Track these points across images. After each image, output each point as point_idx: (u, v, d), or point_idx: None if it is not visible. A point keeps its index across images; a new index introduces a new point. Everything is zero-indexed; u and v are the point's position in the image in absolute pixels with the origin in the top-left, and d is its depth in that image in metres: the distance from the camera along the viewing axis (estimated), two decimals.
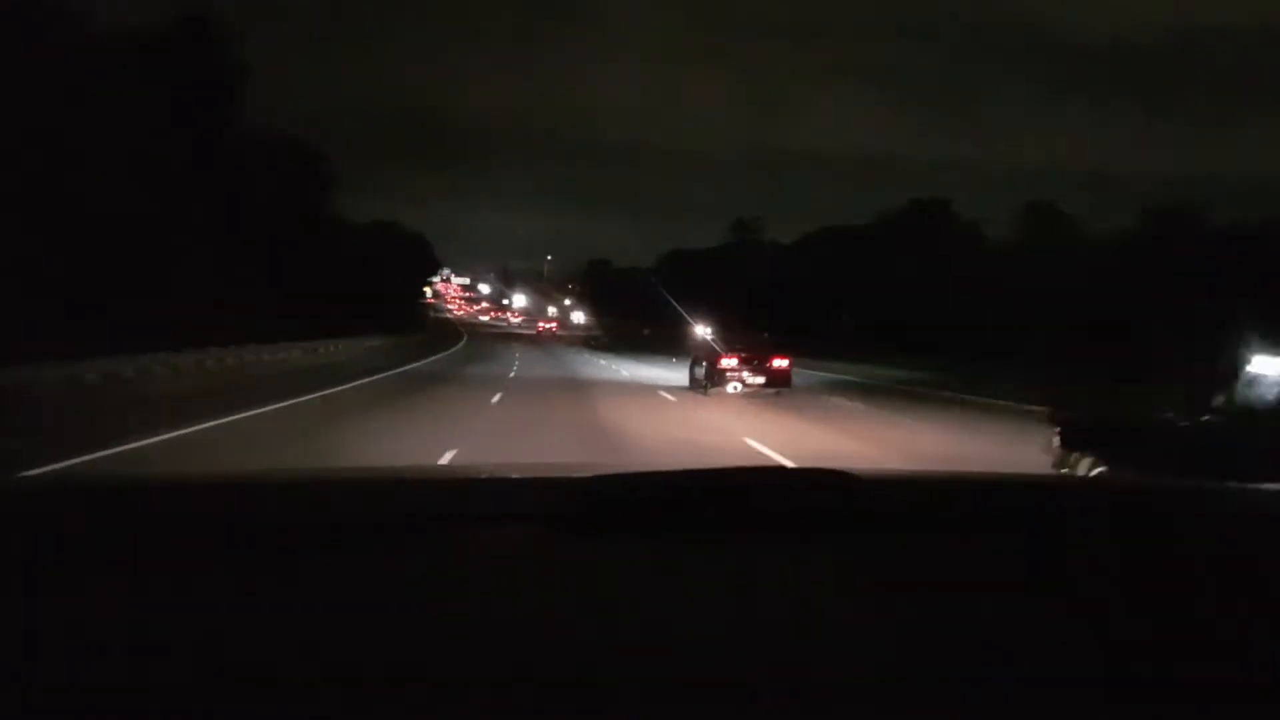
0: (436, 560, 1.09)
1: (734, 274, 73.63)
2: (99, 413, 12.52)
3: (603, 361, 37.83)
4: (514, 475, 1.64)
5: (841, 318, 54.36)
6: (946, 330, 45.07)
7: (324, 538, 1.15)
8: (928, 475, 1.96)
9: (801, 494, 1.27)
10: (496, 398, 17.05)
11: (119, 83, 27.53)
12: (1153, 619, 0.97)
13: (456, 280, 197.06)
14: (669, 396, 19.30)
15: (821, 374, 30.36)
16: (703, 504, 1.22)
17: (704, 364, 20.61)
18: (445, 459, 8.64)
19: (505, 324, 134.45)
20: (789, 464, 8.29)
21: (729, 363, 19.60)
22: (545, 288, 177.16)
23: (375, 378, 21.37)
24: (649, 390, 21.44)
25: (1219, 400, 5.54)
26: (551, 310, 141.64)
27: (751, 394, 19.18)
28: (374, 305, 64.55)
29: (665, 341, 33.05)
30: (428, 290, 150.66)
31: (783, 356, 20.12)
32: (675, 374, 24.82)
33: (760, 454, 10.30)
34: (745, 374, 19.44)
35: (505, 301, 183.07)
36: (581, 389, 21.24)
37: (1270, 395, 5.29)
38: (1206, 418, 5.58)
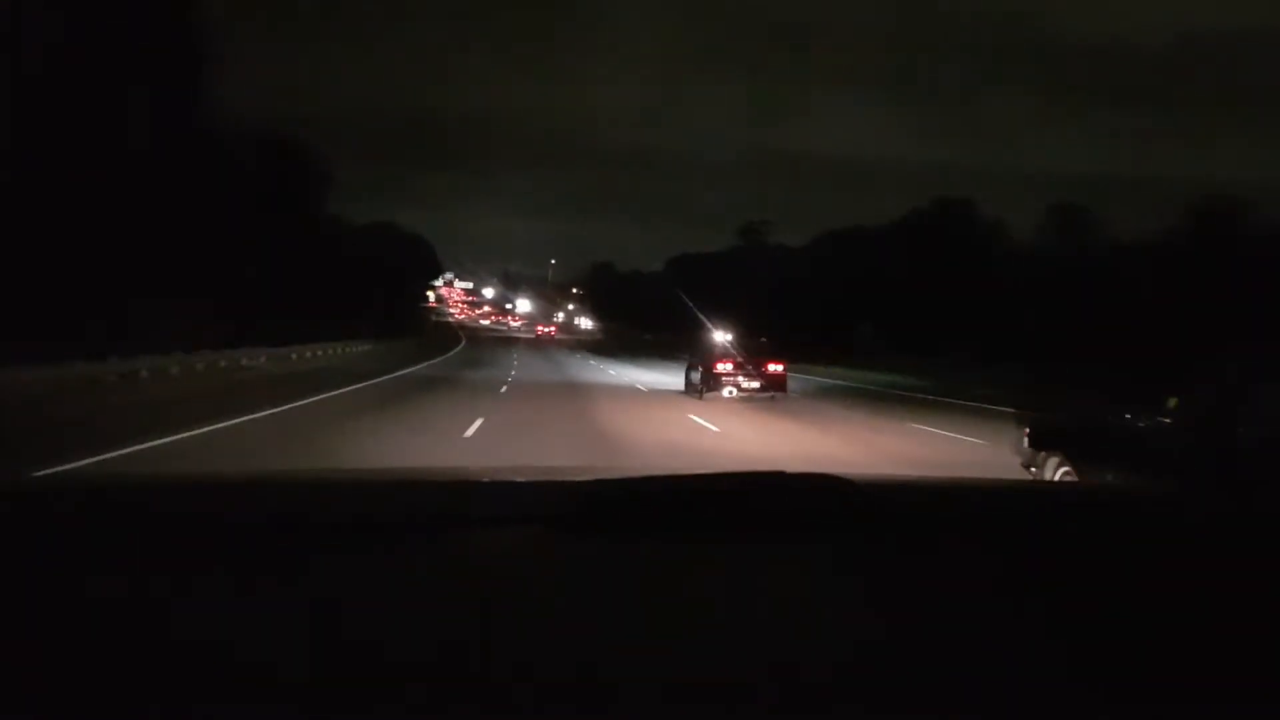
0: (437, 560, 1.10)
1: (743, 278, 71.55)
2: None
3: (609, 370, 35.17)
4: (515, 478, 1.70)
5: (860, 324, 51.64)
6: (975, 333, 42.83)
7: (326, 538, 1.16)
8: (924, 480, 1.98)
9: (799, 497, 1.27)
10: (474, 428, 12.56)
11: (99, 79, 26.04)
12: (1146, 622, 0.98)
13: (460, 284, 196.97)
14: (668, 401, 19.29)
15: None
16: (702, 506, 1.23)
17: (699, 369, 20.65)
18: None
19: (505, 328, 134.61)
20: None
21: (724, 367, 19.69)
22: (549, 292, 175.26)
23: (342, 390, 18.61)
24: (652, 397, 20.90)
25: (1171, 403, 5.70)
26: (559, 316, 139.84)
27: (746, 398, 19.41)
28: (369, 308, 63.05)
29: (670, 347, 30.92)
30: (430, 294, 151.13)
31: (777, 361, 20.35)
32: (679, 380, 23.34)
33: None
34: (740, 379, 19.54)
35: (509, 306, 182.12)
36: (582, 401, 18.99)
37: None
38: (1160, 419, 5.76)
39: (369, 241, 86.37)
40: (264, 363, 24.72)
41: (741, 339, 20.98)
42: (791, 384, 21.43)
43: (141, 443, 9.94)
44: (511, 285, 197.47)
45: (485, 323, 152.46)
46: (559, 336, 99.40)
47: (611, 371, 32.75)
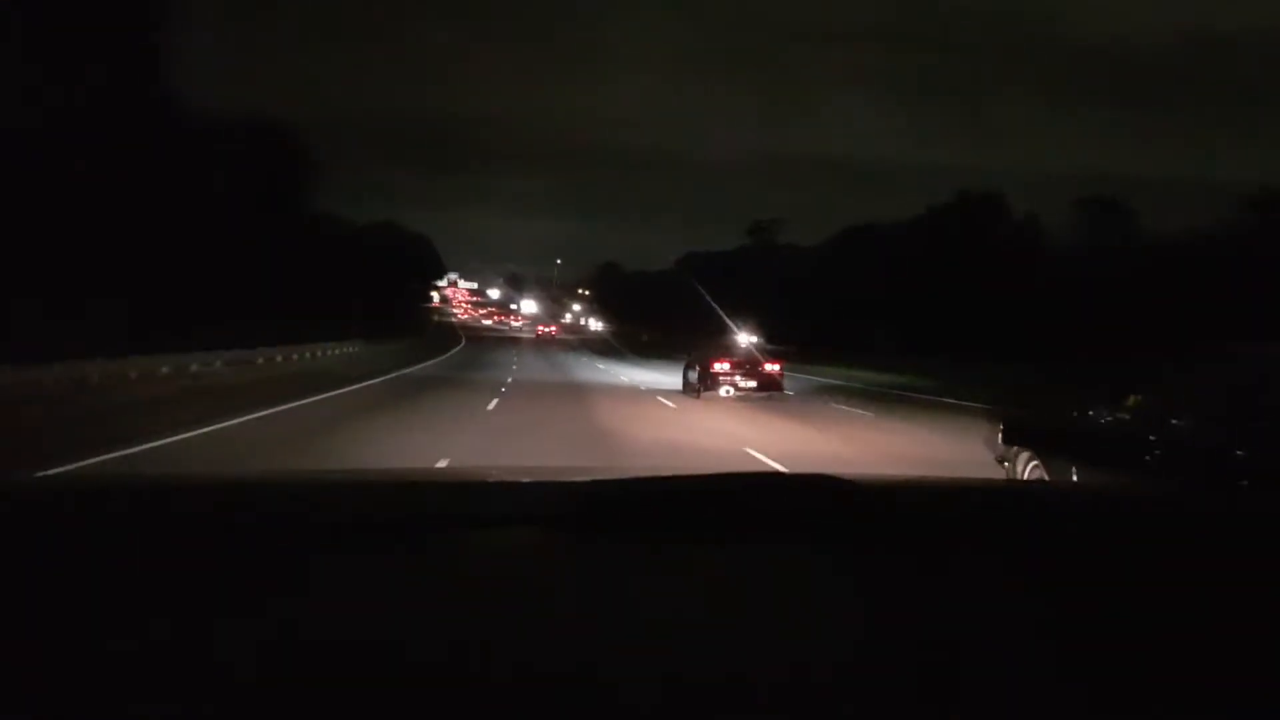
0: (437, 561, 1.10)
1: (754, 277, 69.56)
2: None
3: (622, 374, 32.31)
4: (515, 478, 1.70)
5: (879, 325, 48.74)
6: (998, 331, 40.20)
7: (326, 538, 1.16)
8: (924, 480, 1.98)
9: (798, 497, 1.28)
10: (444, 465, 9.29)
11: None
12: (1147, 622, 0.98)
13: (464, 285, 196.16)
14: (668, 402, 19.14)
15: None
16: (702, 507, 1.23)
17: (696, 368, 20.85)
18: None
19: (506, 328, 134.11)
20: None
21: (721, 367, 19.89)
22: (555, 292, 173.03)
23: (296, 404, 15.63)
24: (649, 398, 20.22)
25: (1132, 400, 5.86)
26: (567, 317, 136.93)
27: (743, 397, 19.55)
28: (365, 308, 60.56)
29: (677, 348, 29.14)
30: (435, 295, 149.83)
31: (774, 361, 20.80)
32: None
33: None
34: (737, 378, 19.78)
35: (513, 306, 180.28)
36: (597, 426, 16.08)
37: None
38: (1120, 415, 5.91)
39: (368, 241, 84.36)
40: (220, 368, 21.69)
41: (761, 340, 21.23)
42: (796, 385, 21.10)
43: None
44: (517, 286, 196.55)
45: (487, 323, 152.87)
46: (559, 336, 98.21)
47: (624, 376, 30.24)
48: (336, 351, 35.47)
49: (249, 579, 1.02)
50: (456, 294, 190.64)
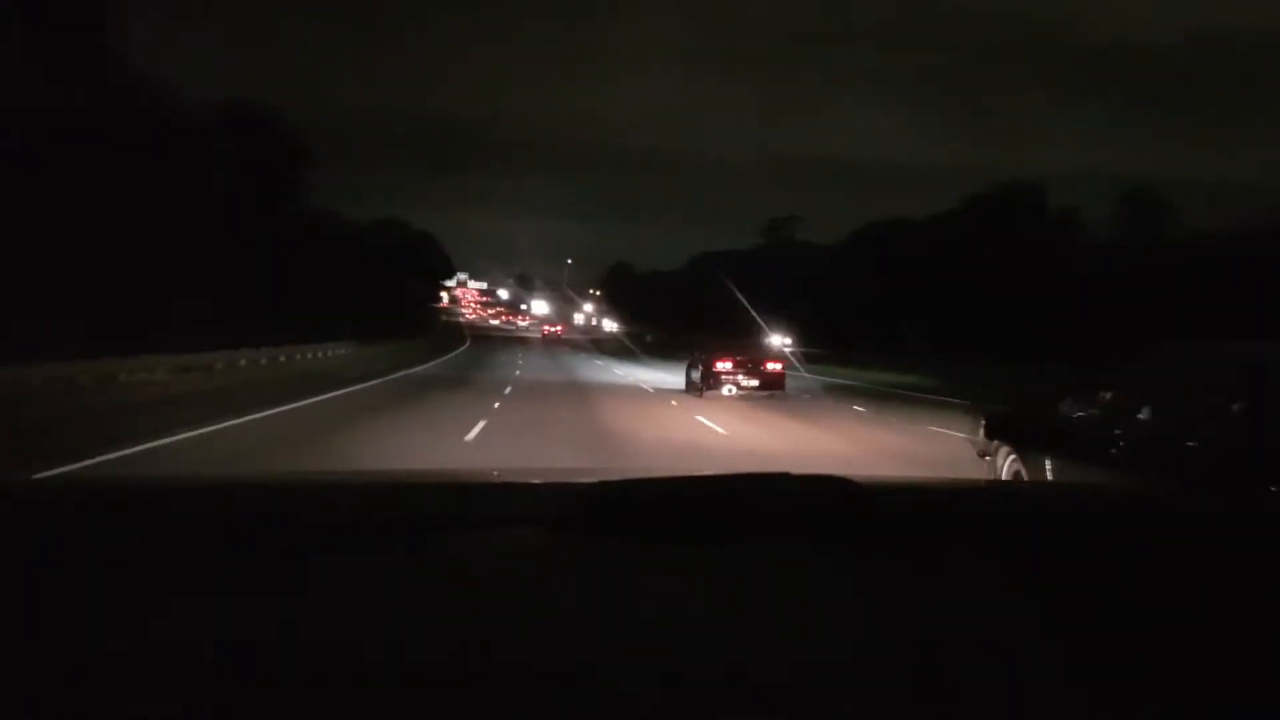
0: (439, 562, 1.10)
1: (772, 276, 66.85)
2: None
3: (638, 376, 29.30)
4: (520, 480, 1.69)
5: (906, 324, 45.48)
6: (1031, 329, 37.35)
7: (327, 539, 1.16)
8: (928, 481, 1.97)
9: (802, 498, 1.28)
10: None
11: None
12: (1147, 623, 0.98)
13: (473, 285, 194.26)
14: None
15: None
16: (707, 508, 1.23)
17: (699, 367, 21.04)
18: None
19: (513, 328, 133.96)
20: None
21: (724, 366, 20.14)
22: (566, 292, 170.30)
23: (237, 421, 12.54)
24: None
25: (1104, 395, 5.99)
26: (579, 318, 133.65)
27: (745, 396, 19.75)
28: (364, 307, 57.94)
29: (696, 349, 26.82)
30: (444, 295, 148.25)
31: (776, 361, 21.24)
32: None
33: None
34: (740, 377, 20.01)
35: (523, 306, 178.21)
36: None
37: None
38: (1092, 410, 6.07)
39: (371, 239, 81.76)
40: (163, 375, 18.48)
41: (794, 341, 20.81)
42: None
43: None
44: (527, 286, 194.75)
45: (494, 323, 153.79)
46: (565, 336, 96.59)
47: (644, 379, 27.62)
48: (324, 354, 32.63)
49: (249, 579, 1.01)
50: (466, 294, 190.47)
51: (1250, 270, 31.82)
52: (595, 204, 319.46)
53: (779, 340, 21.10)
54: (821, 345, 40.59)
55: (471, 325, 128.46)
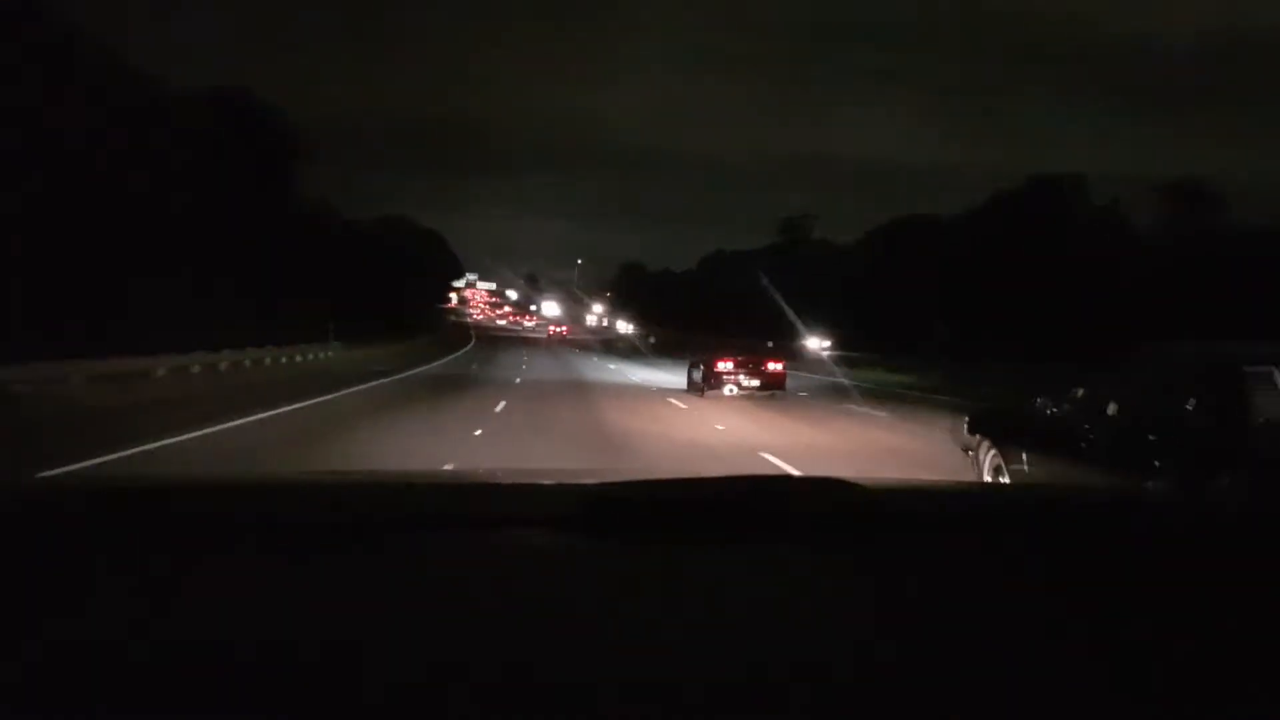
0: (443, 562, 1.10)
1: (788, 275, 64.27)
2: None
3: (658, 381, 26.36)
4: (522, 480, 1.69)
5: (940, 325, 42.47)
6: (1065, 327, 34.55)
7: (328, 539, 1.16)
8: (929, 483, 1.98)
9: (805, 501, 1.28)
10: None
11: None
12: (1148, 623, 0.98)
13: (482, 285, 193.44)
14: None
15: None
16: (709, 510, 1.23)
17: (701, 367, 21.23)
18: None
19: (519, 328, 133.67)
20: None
21: (725, 366, 20.31)
22: (576, 293, 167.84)
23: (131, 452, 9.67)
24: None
25: (1075, 392, 6.27)
26: (590, 319, 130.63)
27: (747, 396, 19.91)
28: (364, 306, 55.62)
29: (702, 349, 25.16)
30: (453, 296, 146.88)
31: (777, 361, 21.30)
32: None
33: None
34: (741, 377, 20.15)
35: (533, 307, 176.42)
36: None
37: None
38: (1064, 406, 6.35)
39: (374, 237, 79.22)
40: (77, 384, 15.36)
41: (831, 344, 20.20)
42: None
43: None
44: (537, 287, 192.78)
45: (501, 323, 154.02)
46: (569, 336, 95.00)
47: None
48: (302, 358, 29.87)
49: (249, 579, 1.01)
50: (475, 295, 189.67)
51: None
52: (604, 205, 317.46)
53: (816, 342, 20.66)
54: (861, 346, 37.44)
55: (478, 325, 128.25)
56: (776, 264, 71.31)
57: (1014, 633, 0.94)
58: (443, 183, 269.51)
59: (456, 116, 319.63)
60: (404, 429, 12.83)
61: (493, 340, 77.45)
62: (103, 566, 1.03)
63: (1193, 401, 5.14)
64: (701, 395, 20.34)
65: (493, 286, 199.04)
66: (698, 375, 21.49)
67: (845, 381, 28.54)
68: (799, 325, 20.70)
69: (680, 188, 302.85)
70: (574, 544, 1.15)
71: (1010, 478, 6.76)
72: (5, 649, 0.83)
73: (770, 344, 23.88)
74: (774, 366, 20.87)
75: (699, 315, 63.84)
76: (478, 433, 12.52)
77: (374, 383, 22.15)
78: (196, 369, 21.14)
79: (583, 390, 23.06)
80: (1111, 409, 5.73)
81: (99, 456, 8.99)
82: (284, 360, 27.91)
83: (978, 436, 7.38)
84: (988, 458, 7.11)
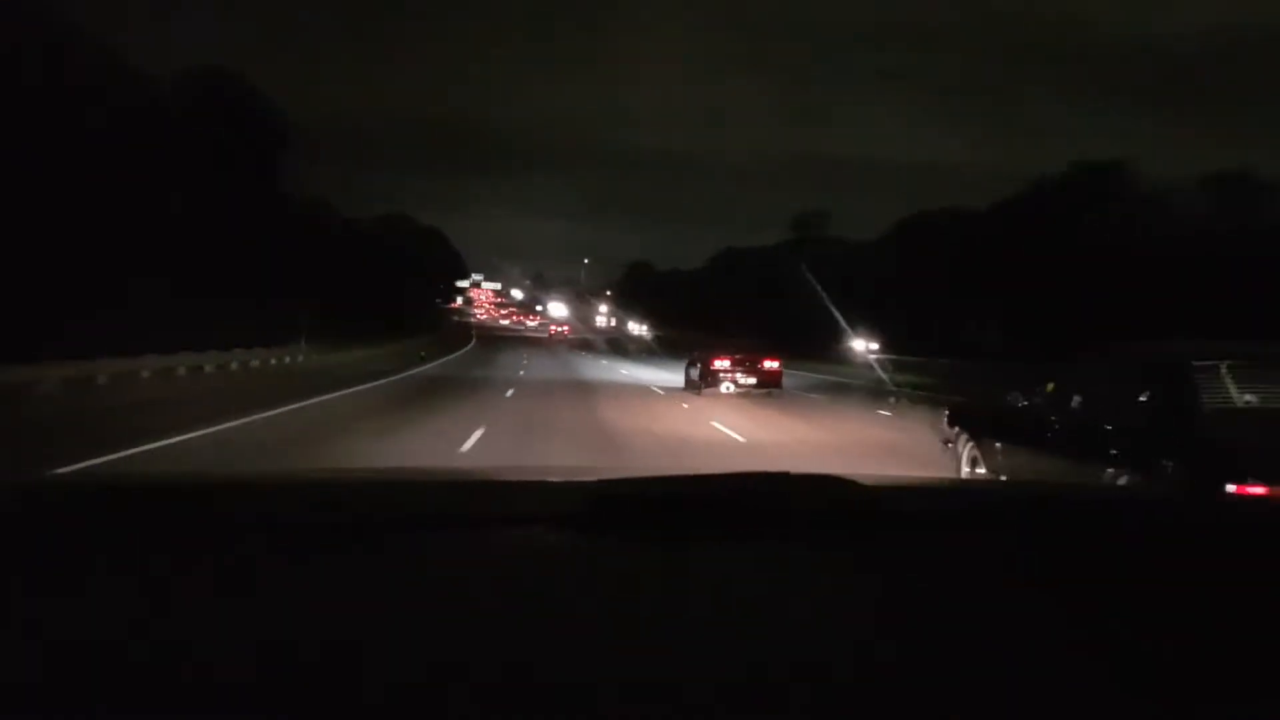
0: (443, 560, 1.09)
1: (800, 273, 61.33)
2: None
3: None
4: (522, 478, 1.68)
5: (976, 323, 39.27)
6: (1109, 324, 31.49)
7: (329, 538, 1.15)
8: (929, 480, 1.98)
9: (804, 498, 1.27)
10: None
11: None
12: (1148, 622, 0.98)
13: (487, 285, 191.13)
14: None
15: None
16: (709, 507, 1.23)
17: (698, 365, 21.37)
18: None
19: (522, 328, 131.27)
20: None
21: (722, 364, 20.45)
22: (583, 293, 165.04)
23: None
24: None
25: (1048, 387, 6.53)
26: (599, 320, 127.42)
27: (743, 393, 20.04)
28: (360, 305, 52.85)
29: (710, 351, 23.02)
30: (458, 297, 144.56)
31: (773, 358, 21.12)
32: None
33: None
34: (738, 374, 20.27)
35: (539, 307, 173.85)
36: None
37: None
38: (1035, 400, 6.68)
39: (373, 235, 76.38)
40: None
41: (877, 346, 22.74)
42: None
43: None
44: (543, 287, 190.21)
45: (505, 323, 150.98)
46: (578, 336, 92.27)
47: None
48: (276, 361, 26.87)
49: (250, 579, 1.01)
50: (480, 295, 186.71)
51: None
52: (607, 204, 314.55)
53: (862, 345, 19.07)
54: (906, 349, 34.14)
55: (481, 325, 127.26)
56: (790, 261, 68.57)
57: (1013, 630, 0.94)
58: (446, 183, 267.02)
59: (459, 117, 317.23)
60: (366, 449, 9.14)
61: (493, 340, 74.64)
62: (102, 565, 1.02)
63: (1145, 395, 5.48)
64: (699, 393, 20.44)
65: (498, 287, 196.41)
66: (695, 373, 21.63)
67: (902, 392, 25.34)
68: (844, 325, 18.59)
69: (681, 187, 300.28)
70: (574, 542, 1.15)
71: (985, 468, 7.10)
72: (6, 648, 0.82)
73: (762, 343, 23.25)
74: (770, 364, 20.88)
75: (715, 315, 60.64)
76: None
77: (325, 397, 18.53)
78: (146, 374, 18.22)
79: (589, 397, 19.62)
80: (1075, 402, 6.10)
81: None
82: (254, 364, 25.02)
83: (956, 429, 7.75)
84: (965, 450, 7.46)
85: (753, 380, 20.35)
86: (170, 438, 10.55)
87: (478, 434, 12.21)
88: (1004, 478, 6.66)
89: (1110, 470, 5.35)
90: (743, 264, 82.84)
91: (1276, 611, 1.01)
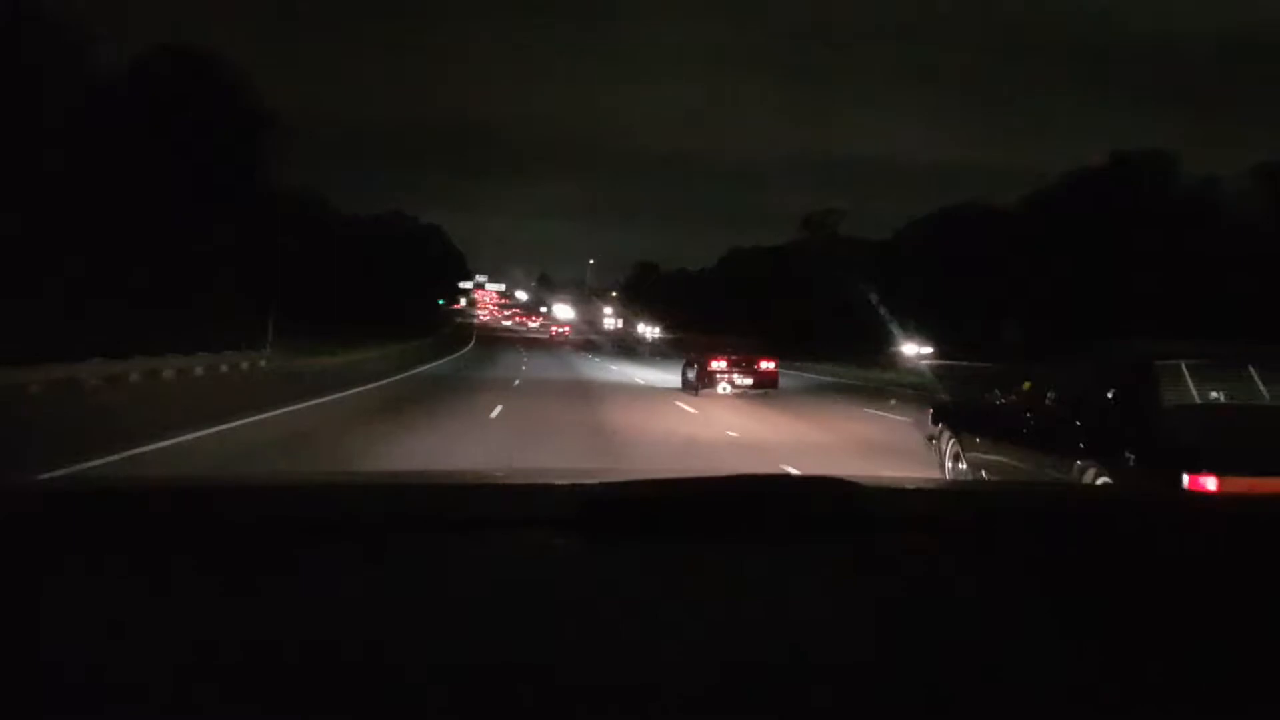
0: (443, 562, 1.09)
1: (813, 273, 58.88)
2: None
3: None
4: (522, 480, 1.69)
5: (1011, 323, 36.33)
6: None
7: (329, 540, 1.15)
8: (928, 481, 2.02)
9: (803, 500, 1.27)
10: None
11: None
12: (1149, 623, 0.98)
13: (491, 287, 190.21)
14: None
15: None
16: (708, 509, 1.22)
17: (695, 366, 21.41)
18: None
19: (524, 329, 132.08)
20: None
21: (718, 365, 20.48)
22: (588, 294, 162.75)
23: None
24: None
25: (1022, 385, 6.98)
26: (607, 322, 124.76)
27: (740, 394, 20.07)
28: (358, 305, 50.58)
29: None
30: (462, 299, 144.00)
31: (769, 359, 21.16)
32: None
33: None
34: (734, 375, 20.35)
35: (544, 309, 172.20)
36: None
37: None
38: (1011, 398, 7.13)
39: (369, 232, 73.91)
40: None
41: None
42: None
43: None
44: (548, 288, 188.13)
45: (507, 324, 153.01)
46: (584, 338, 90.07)
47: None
48: (231, 367, 24.23)
49: (249, 579, 1.00)
50: (484, 296, 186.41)
51: None
52: (615, 205, 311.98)
53: (914, 349, 17.92)
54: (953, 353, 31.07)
55: (484, 326, 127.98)
56: (801, 261, 66.02)
57: (1013, 631, 0.94)
58: (448, 184, 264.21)
59: (462, 117, 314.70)
60: None
61: (493, 342, 72.32)
62: (98, 567, 1.01)
63: (1111, 392, 5.88)
64: (696, 394, 20.53)
65: (502, 288, 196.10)
66: (692, 374, 21.67)
67: None
68: (894, 329, 16.67)
69: (686, 187, 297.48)
70: (574, 545, 1.15)
71: (965, 462, 7.50)
72: (4, 650, 0.82)
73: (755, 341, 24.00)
74: (766, 365, 21.01)
75: (725, 316, 57.76)
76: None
77: (266, 415, 15.73)
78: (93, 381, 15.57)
79: (592, 407, 16.64)
80: (1048, 399, 6.54)
81: None
82: (198, 372, 22.20)
83: (939, 426, 8.18)
84: (947, 445, 7.87)
85: (749, 381, 20.45)
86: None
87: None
88: (982, 471, 7.08)
89: (1078, 463, 5.63)
90: (753, 263, 79.96)
91: (1262, 610, 1.01)
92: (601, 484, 1.29)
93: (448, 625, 0.89)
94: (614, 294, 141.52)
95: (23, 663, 0.79)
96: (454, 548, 1.13)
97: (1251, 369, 5.62)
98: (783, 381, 22.38)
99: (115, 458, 9.28)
